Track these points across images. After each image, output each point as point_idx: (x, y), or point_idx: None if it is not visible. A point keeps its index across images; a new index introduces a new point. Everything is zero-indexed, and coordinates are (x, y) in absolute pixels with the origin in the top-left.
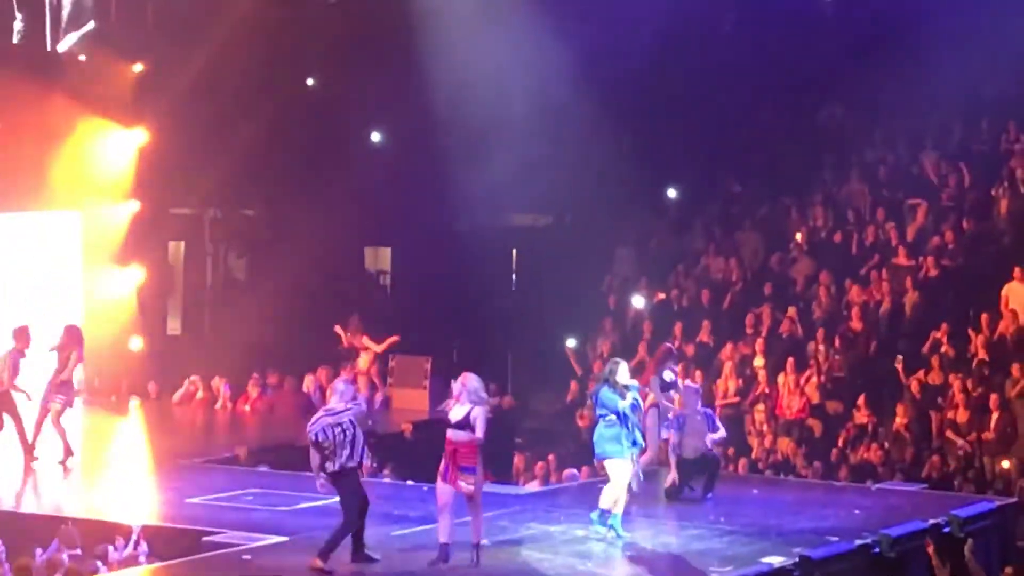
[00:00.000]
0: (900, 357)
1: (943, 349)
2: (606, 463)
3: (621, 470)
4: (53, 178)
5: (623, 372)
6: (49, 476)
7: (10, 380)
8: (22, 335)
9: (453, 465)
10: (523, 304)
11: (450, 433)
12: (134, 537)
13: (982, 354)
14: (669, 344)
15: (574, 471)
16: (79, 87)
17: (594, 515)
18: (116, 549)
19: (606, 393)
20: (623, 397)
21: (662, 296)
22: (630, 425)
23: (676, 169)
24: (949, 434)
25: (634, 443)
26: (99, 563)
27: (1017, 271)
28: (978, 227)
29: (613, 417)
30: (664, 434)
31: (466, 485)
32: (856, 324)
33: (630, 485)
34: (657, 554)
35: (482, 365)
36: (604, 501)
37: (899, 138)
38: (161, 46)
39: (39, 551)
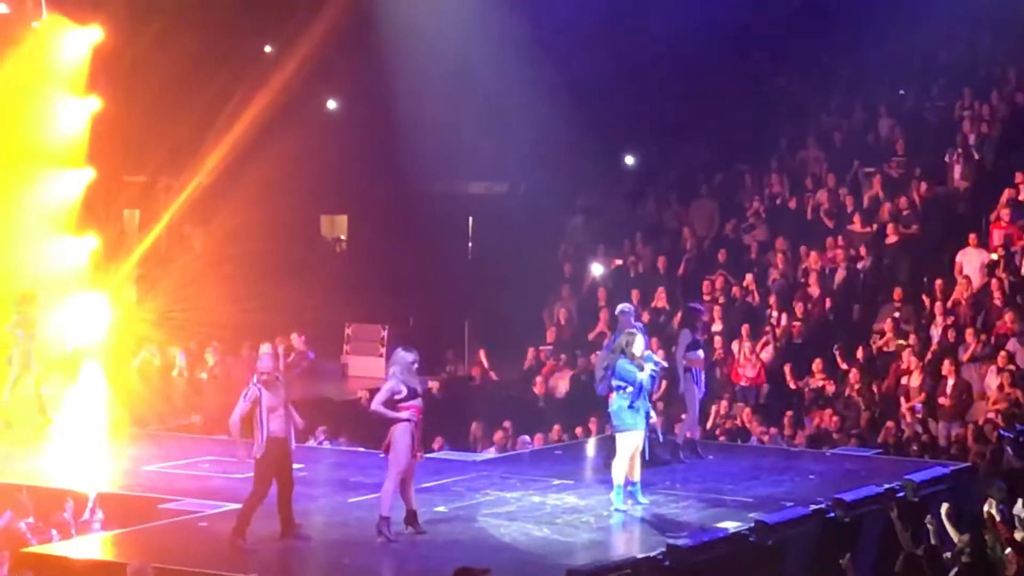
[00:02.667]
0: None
1: (897, 315)
2: (621, 435)
3: (632, 442)
4: (7, 146)
5: (639, 344)
6: (2, 444)
7: None
8: None
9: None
10: (479, 271)
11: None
12: (90, 505)
13: (936, 320)
14: (695, 303)
15: (528, 438)
16: (33, 54)
17: (613, 495)
18: (71, 517)
19: (624, 365)
20: (641, 369)
21: (618, 263)
22: (644, 396)
23: (632, 137)
24: (903, 400)
25: (647, 414)
26: (54, 531)
27: (972, 237)
28: (932, 193)
29: (631, 389)
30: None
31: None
32: (812, 290)
33: (643, 452)
34: (613, 520)
35: (438, 333)
36: (617, 477)
37: (854, 105)
38: (116, 13)
39: None
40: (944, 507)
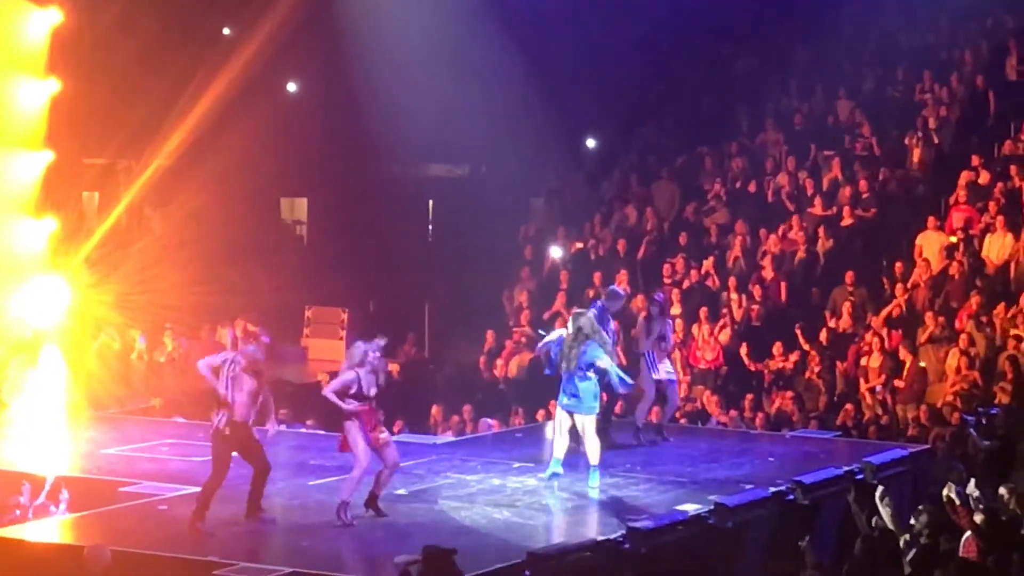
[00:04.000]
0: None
1: (855, 298)
2: (587, 419)
3: (593, 425)
4: None
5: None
6: None
7: None
8: None
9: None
10: (440, 254)
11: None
12: (46, 488)
13: (895, 303)
14: (657, 293)
15: (489, 421)
16: None
17: (593, 477)
18: (28, 500)
19: (595, 349)
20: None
21: (579, 246)
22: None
23: (593, 120)
24: (862, 382)
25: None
26: (17, 512)
27: (931, 220)
28: (892, 176)
29: (592, 373)
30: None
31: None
32: (770, 273)
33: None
34: (574, 503)
35: (399, 316)
36: (593, 458)
37: (814, 87)
38: None
39: None
40: (878, 491)
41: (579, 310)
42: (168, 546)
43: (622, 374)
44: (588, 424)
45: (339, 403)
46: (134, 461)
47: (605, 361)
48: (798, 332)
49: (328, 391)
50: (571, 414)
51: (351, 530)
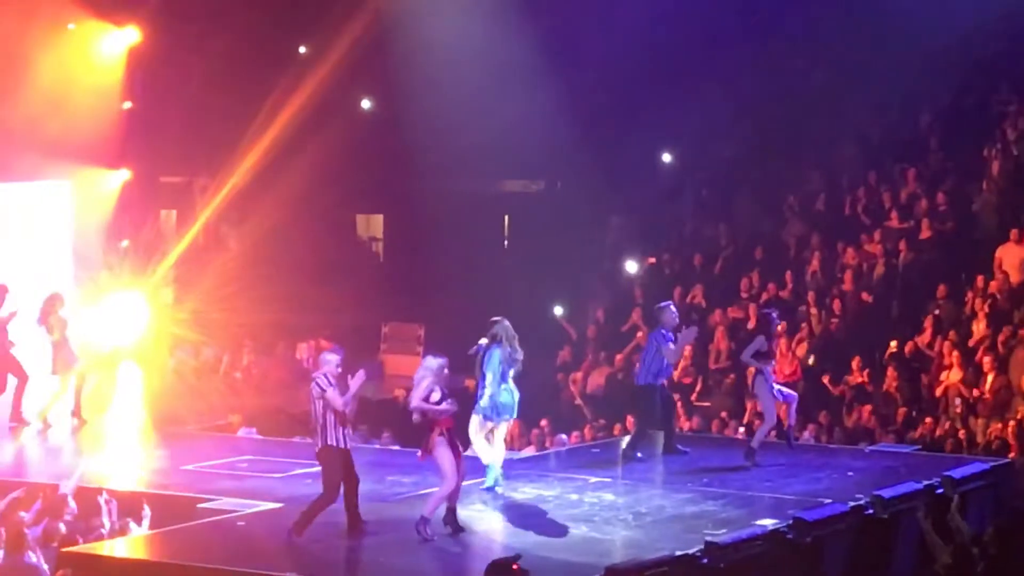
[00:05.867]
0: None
1: (936, 311)
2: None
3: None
4: (44, 148)
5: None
6: (40, 443)
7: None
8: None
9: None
10: (516, 270)
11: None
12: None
13: (977, 316)
14: (769, 310)
15: (563, 436)
16: (69, 54)
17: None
18: (110, 516)
19: (493, 359)
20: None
21: (652, 261)
22: None
23: (670, 135)
24: (941, 396)
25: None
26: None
27: (1013, 232)
28: (970, 189)
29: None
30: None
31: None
32: (849, 287)
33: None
34: (652, 517)
35: (475, 331)
36: (485, 458)
37: (891, 101)
38: (152, 14)
39: (24, 515)
40: (920, 513)
41: (496, 318)
42: (246, 562)
43: (497, 400)
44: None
45: (431, 408)
46: (212, 477)
47: (489, 376)
48: (876, 347)
49: (416, 402)
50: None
51: (428, 546)
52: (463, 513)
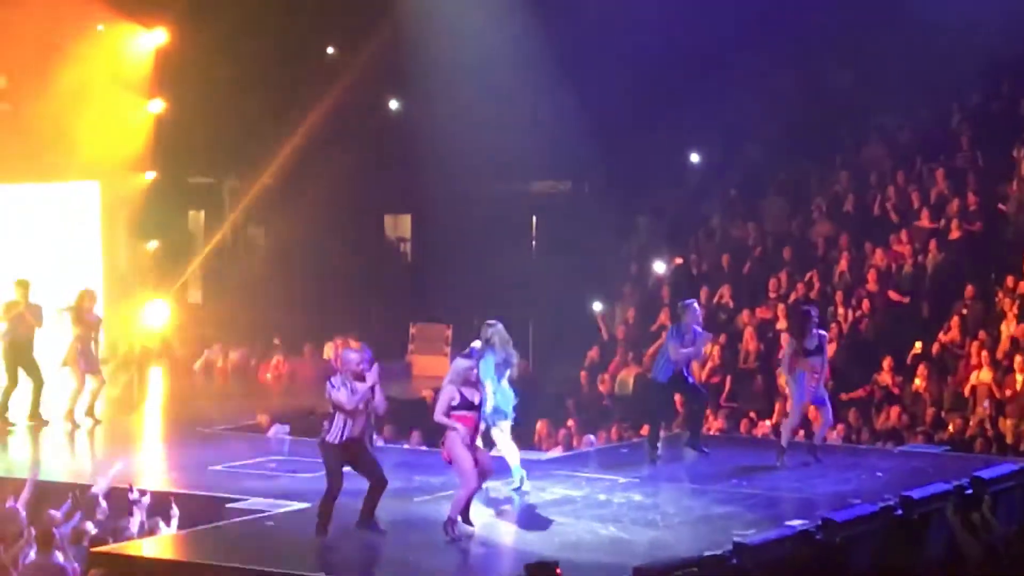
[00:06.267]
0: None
1: (964, 311)
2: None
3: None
4: (72, 149)
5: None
6: (68, 443)
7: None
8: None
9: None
10: (543, 270)
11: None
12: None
13: (1006, 316)
14: (807, 306)
15: (591, 437)
16: (97, 57)
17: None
18: (139, 515)
19: (487, 363)
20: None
21: (679, 261)
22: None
23: (696, 135)
24: (970, 396)
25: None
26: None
27: None
28: (999, 189)
29: (490, 383)
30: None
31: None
32: (877, 287)
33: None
34: (679, 518)
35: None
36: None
37: (919, 101)
38: (180, 16)
39: (55, 513)
40: (949, 508)
41: (490, 321)
42: (275, 562)
43: (499, 403)
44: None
45: (447, 422)
46: (241, 477)
47: (489, 384)
48: (905, 347)
49: (438, 416)
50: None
51: (456, 546)
52: (490, 513)
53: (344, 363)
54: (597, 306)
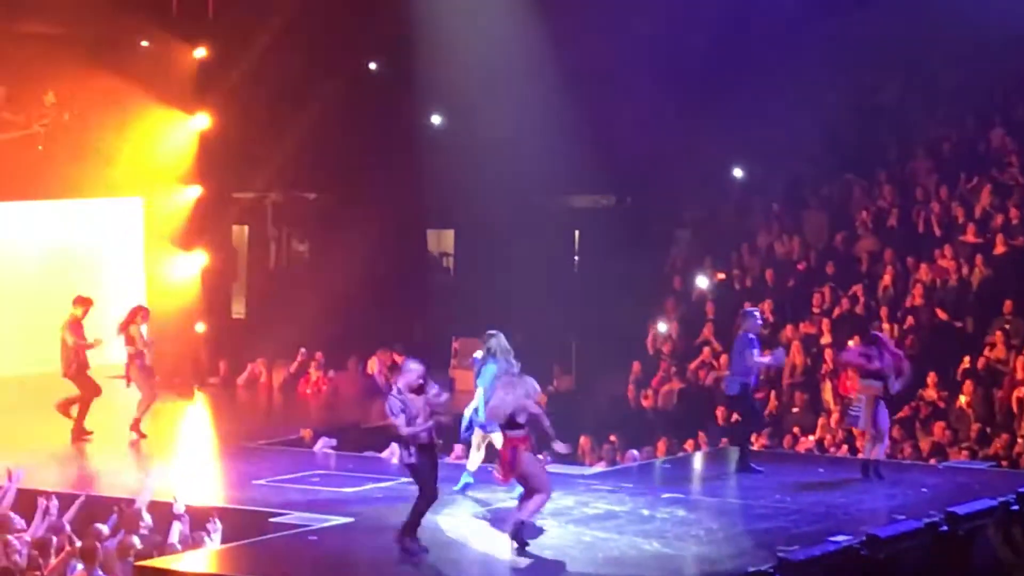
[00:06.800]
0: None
1: (1010, 327)
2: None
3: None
4: (117, 164)
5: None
6: (112, 457)
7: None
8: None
9: None
10: (586, 285)
11: None
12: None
13: None
14: (875, 331)
15: (634, 452)
16: (141, 73)
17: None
18: (182, 530)
19: (485, 373)
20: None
21: (722, 277)
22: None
23: (740, 149)
24: (1016, 412)
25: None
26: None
27: None
28: None
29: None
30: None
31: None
32: (922, 301)
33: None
34: (722, 533)
35: (545, 347)
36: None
37: (964, 115)
38: (222, 30)
39: (101, 528)
40: (991, 524)
41: (491, 331)
42: None
43: (481, 410)
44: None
45: (509, 435)
46: (284, 492)
47: (479, 390)
48: (949, 363)
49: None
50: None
51: (500, 562)
52: (534, 530)
53: (404, 375)
54: (662, 327)
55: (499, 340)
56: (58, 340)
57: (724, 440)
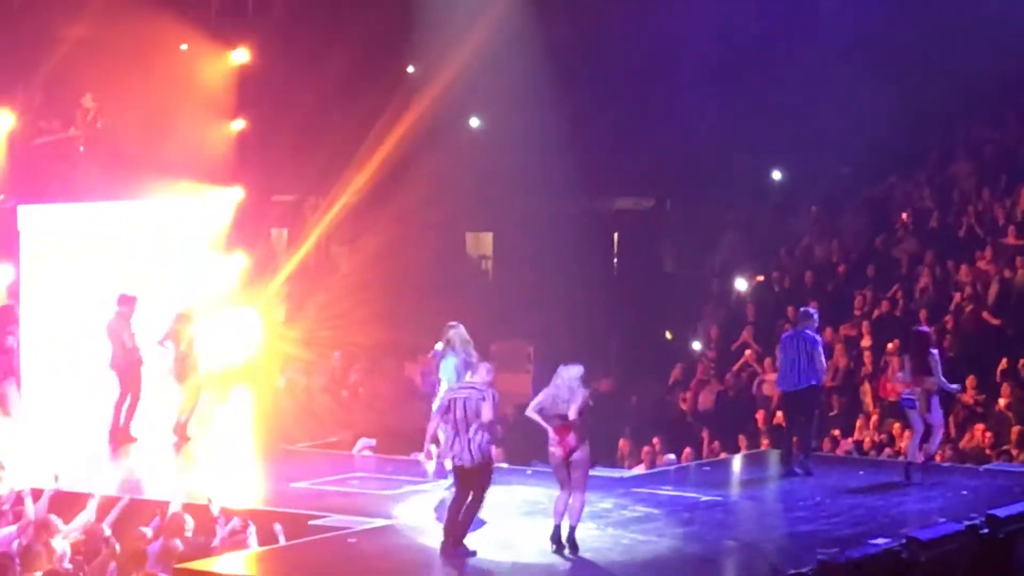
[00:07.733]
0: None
1: None
2: None
3: None
4: (156, 167)
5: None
6: (158, 460)
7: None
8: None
9: None
10: (625, 288)
11: None
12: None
13: None
14: (921, 327)
15: (670, 456)
16: (180, 76)
17: None
18: (222, 533)
19: (447, 365)
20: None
21: (760, 279)
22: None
23: (780, 151)
24: None
25: None
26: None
27: None
28: None
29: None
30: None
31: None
32: (962, 304)
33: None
34: (763, 536)
35: (585, 349)
36: None
37: (1006, 117)
38: (262, 35)
39: (144, 531)
40: None
41: (451, 323)
42: None
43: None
44: None
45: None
46: (323, 495)
47: (444, 382)
48: (990, 365)
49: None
50: None
51: (536, 567)
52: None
53: (480, 372)
54: (696, 345)
55: (459, 331)
56: (103, 339)
57: (766, 443)
